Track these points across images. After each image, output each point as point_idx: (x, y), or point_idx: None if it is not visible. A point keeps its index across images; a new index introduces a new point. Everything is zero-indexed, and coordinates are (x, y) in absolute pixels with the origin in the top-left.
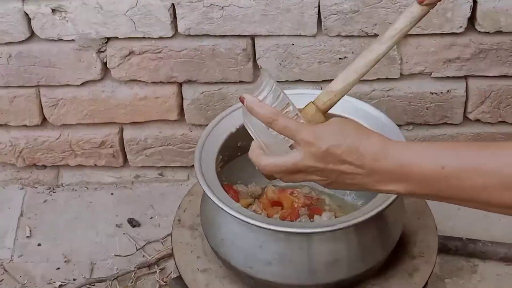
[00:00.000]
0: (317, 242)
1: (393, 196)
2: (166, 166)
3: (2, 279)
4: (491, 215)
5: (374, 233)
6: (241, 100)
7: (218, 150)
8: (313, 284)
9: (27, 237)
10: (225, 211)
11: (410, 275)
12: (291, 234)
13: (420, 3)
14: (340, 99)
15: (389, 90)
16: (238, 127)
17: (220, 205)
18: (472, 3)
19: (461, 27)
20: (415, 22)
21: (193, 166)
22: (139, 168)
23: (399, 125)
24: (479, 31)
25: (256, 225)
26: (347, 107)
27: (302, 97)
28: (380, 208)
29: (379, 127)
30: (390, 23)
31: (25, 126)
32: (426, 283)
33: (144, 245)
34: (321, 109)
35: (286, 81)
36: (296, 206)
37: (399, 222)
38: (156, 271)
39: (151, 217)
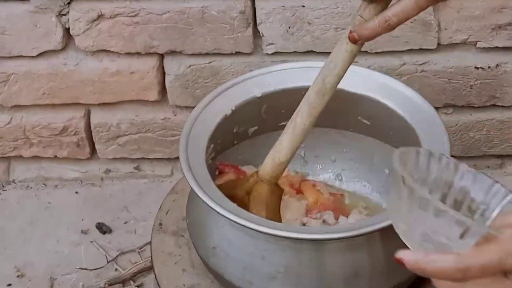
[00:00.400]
0: (332, 252)
1: None
2: (143, 158)
3: None
4: None
5: None
6: (398, 261)
7: (209, 138)
8: None
9: None
10: (218, 213)
11: None
12: (300, 242)
13: (354, 42)
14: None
15: (423, 64)
16: (233, 108)
17: (212, 205)
18: None
19: None
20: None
21: (177, 158)
22: (110, 160)
23: (436, 108)
24: None
25: (256, 230)
26: (370, 84)
27: (312, 71)
28: None
29: (411, 110)
30: None
31: None
32: None
33: (117, 256)
34: (269, 181)
35: (295, 52)
36: (320, 204)
37: None
38: None
39: (126, 222)
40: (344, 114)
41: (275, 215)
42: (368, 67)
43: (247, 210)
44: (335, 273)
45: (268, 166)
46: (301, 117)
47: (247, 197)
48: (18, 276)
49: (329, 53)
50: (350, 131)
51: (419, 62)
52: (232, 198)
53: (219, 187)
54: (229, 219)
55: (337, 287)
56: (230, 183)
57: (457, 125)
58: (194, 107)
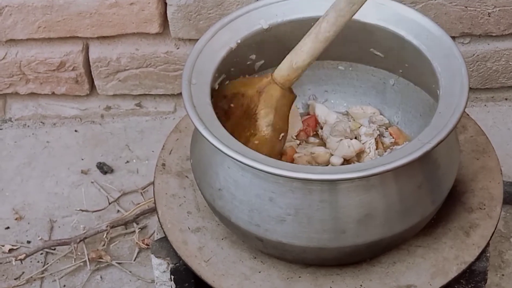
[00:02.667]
0: (344, 193)
1: (446, 130)
2: (145, 94)
3: None
4: None
5: (420, 180)
6: None
7: (214, 73)
8: (339, 247)
9: None
10: (224, 153)
11: (466, 234)
12: (311, 183)
13: None
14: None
15: None
16: (239, 41)
17: (217, 145)
18: None
19: None
20: None
21: (180, 94)
22: (110, 97)
23: (451, 37)
24: None
25: (264, 171)
26: (384, 13)
27: (321, 0)
28: (428, 147)
29: (427, 41)
30: None
31: None
32: (488, 243)
33: (119, 197)
34: (283, 84)
35: None
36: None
37: (453, 165)
38: (134, 231)
39: (127, 161)
40: (356, 46)
41: (283, 120)
42: None
43: (255, 110)
44: (347, 214)
45: (284, 69)
46: (327, 23)
47: (258, 97)
48: (16, 219)
49: None
50: (362, 63)
51: None
52: (242, 95)
53: (231, 84)
54: (235, 159)
55: (350, 229)
56: (242, 81)
57: (474, 55)
58: (197, 40)
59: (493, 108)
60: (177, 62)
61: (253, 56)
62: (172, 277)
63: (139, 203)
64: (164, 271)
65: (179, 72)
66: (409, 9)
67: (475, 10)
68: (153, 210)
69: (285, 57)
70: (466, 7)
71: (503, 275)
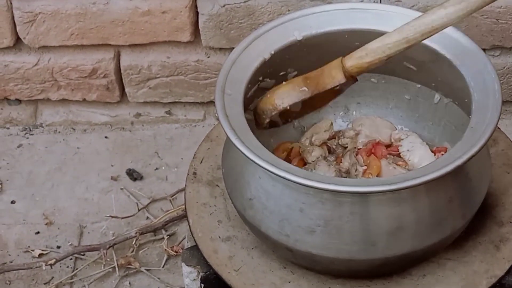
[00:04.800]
0: (375, 205)
1: (478, 145)
2: (175, 102)
3: None
4: None
5: (451, 193)
6: None
7: (247, 83)
8: (369, 259)
9: None
10: (256, 163)
11: (496, 248)
12: (341, 194)
13: None
14: (371, 64)
15: None
16: (273, 52)
17: (250, 155)
18: None
19: None
20: None
21: (209, 102)
22: (140, 104)
23: (483, 50)
24: None
25: (295, 182)
26: None
27: (356, 13)
28: (459, 161)
29: (458, 53)
30: None
31: None
32: None
33: (148, 203)
34: (345, 67)
35: None
36: None
37: (484, 179)
38: (163, 238)
39: (156, 168)
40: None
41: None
42: (412, 7)
43: None
44: (377, 227)
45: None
46: (416, 19)
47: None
48: (46, 224)
49: None
50: (394, 76)
51: None
52: None
53: None
54: (267, 170)
55: (380, 242)
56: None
57: (504, 68)
58: (228, 49)
59: None
60: (207, 70)
61: (286, 67)
62: (202, 285)
63: (168, 210)
64: (194, 279)
65: (209, 81)
66: None
67: (507, 23)
68: (182, 217)
69: (317, 68)
70: (497, 19)
71: None
